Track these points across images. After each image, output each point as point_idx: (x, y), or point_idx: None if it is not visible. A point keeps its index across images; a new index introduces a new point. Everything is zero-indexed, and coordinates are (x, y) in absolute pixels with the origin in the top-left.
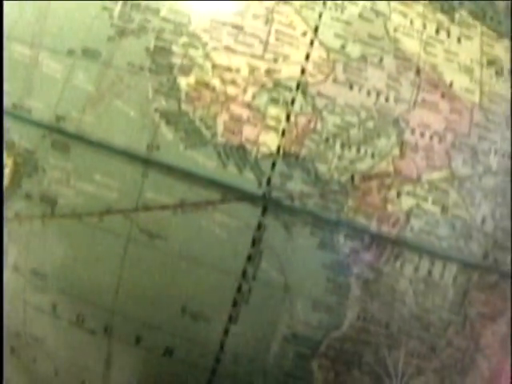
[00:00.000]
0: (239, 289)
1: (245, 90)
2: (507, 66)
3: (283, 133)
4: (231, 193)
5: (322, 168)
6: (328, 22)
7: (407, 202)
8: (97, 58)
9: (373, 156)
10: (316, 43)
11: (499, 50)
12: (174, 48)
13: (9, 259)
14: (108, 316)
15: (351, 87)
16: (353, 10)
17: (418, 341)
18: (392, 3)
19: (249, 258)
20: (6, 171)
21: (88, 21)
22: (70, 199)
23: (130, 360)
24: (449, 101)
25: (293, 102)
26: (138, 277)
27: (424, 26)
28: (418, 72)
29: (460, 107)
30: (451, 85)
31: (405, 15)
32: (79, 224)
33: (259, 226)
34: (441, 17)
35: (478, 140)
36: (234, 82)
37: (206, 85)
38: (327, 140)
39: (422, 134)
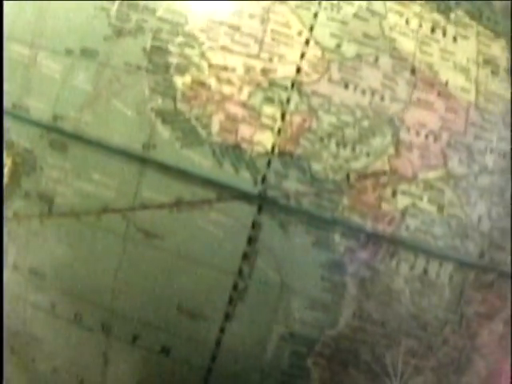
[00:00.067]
0: (235, 287)
1: (240, 90)
2: (504, 66)
3: (278, 132)
4: (227, 192)
5: (317, 167)
6: (323, 22)
7: (403, 201)
8: (94, 57)
9: (368, 155)
10: (311, 42)
11: (496, 49)
12: (171, 48)
13: (8, 258)
14: (106, 314)
15: (346, 86)
16: (348, 9)
17: (415, 339)
18: (388, 3)
19: (244, 257)
20: (5, 170)
21: (86, 21)
22: (68, 198)
23: (128, 358)
24: (444, 100)
25: (288, 101)
26: (134, 275)
27: (420, 26)
28: (413, 71)
29: (456, 106)
30: (447, 84)
31: (401, 15)
32: (77, 223)
33: (255, 225)
34: (437, 16)
35: (473, 139)
36: (229, 82)
37: (202, 84)
38: (322, 139)
39: (418, 133)
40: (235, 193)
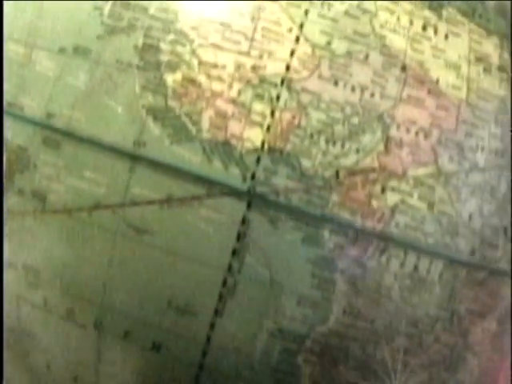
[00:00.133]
0: (225, 283)
1: (230, 86)
2: (496, 63)
3: (268, 128)
4: (216, 188)
5: (306, 163)
6: (314, 19)
7: (392, 198)
8: (87, 55)
9: (357, 151)
10: (301, 40)
11: (488, 47)
12: (162, 45)
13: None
14: (97, 310)
15: (336, 83)
16: (339, 7)
17: (406, 337)
18: (378, 1)
19: (234, 253)
20: None
21: (80, 20)
22: (61, 195)
23: (120, 354)
24: (435, 97)
25: (278, 97)
26: (125, 271)
27: (411, 23)
28: (403, 68)
29: (446, 104)
30: (438, 81)
31: (392, 12)
32: (69, 219)
33: (244, 221)
34: (428, 14)
35: (464, 136)
36: (219, 79)
37: (193, 81)
38: (312, 135)
39: (408, 130)
40: (225, 189)
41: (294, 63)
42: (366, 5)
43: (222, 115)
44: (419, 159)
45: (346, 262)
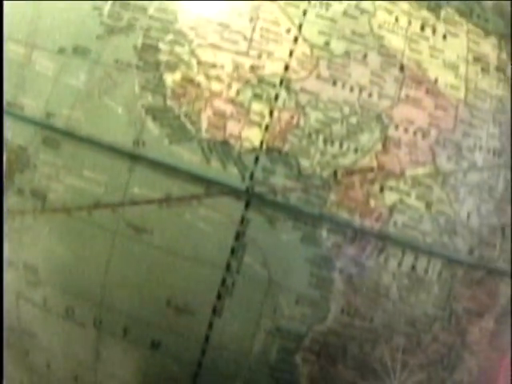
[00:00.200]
0: (223, 282)
1: (229, 86)
2: (494, 63)
3: (266, 128)
4: (215, 187)
5: (304, 163)
6: (312, 19)
7: (390, 197)
8: (86, 55)
9: (356, 151)
10: (300, 40)
11: (486, 47)
12: (161, 45)
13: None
14: (97, 309)
15: (334, 83)
16: (337, 7)
17: (404, 336)
18: (377, 1)
19: (232, 252)
20: None
21: (79, 20)
22: (60, 194)
23: (119, 353)
24: (433, 97)
25: (276, 97)
26: (124, 270)
27: (409, 23)
28: (402, 68)
29: (445, 103)
30: (436, 81)
31: (390, 12)
32: (69, 218)
33: (243, 220)
34: (426, 14)
35: (462, 136)
36: (218, 79)
37: (191, 81)
38: (310, 135)
39: (406, 130)
40: (223, 188)
41: (293, 63)
42: (364, 5)
43: (220, 115)
44: (417, 159)
45: (344, 261)
